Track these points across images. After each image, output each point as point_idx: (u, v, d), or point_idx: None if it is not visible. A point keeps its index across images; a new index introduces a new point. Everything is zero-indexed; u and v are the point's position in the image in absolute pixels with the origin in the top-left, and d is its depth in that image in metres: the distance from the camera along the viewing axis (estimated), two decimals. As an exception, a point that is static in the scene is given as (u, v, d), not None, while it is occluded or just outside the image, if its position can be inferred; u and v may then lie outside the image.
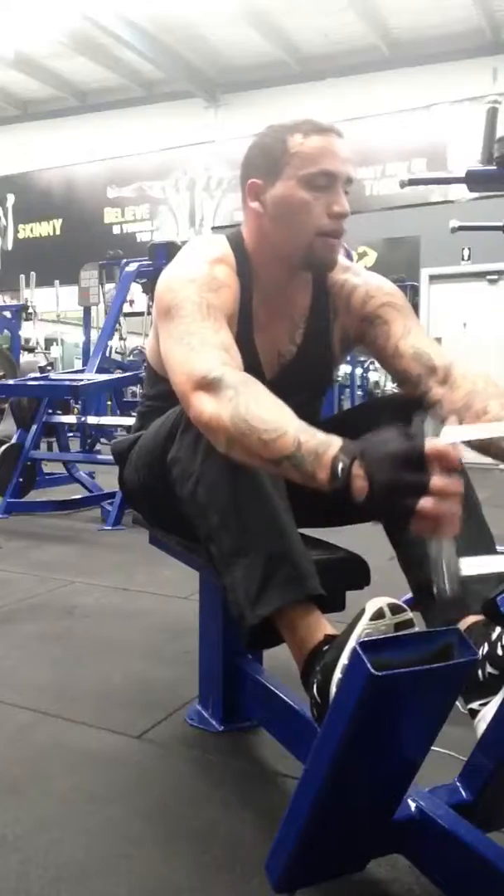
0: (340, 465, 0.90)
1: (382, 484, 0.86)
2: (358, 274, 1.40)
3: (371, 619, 0.93)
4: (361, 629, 0.93)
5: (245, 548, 1.09)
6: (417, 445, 0.86)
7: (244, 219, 1.33)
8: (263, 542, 1.08)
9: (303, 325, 1.37)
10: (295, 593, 1.05)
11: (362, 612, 0.95)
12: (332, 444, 0.94)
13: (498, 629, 1.02)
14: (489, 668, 1.02)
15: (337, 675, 0.95)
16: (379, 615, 0.93)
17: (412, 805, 0.97)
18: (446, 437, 0.87)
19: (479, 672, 1.02)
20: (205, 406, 1.05)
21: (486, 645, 1.02)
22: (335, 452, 0.92)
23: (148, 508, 1.50)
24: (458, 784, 1.02)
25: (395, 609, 0.94)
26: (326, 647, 1.02)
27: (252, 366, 1.21)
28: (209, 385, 1.05)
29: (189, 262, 1.25)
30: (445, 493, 0.83)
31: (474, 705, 1.04)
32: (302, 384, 1.35)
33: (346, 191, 1.25)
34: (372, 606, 0.94)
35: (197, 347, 1.12)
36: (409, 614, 0.95)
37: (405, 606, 0.95)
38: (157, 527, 1.53)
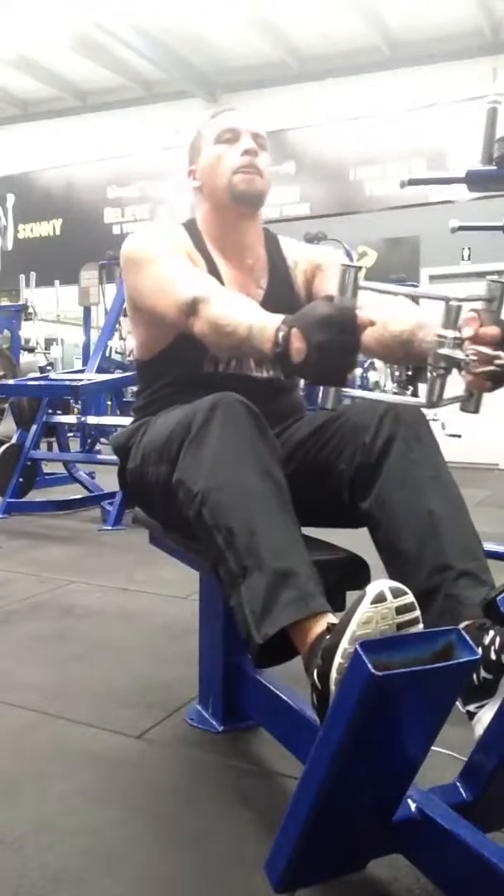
0: (281, 334, 1.08)
1: (315, 343, 1.01)
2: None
3: (372, 603, 0.91)
4: (363, 612, 0.91)
5: (250, 567, 1.07)
6: (347, 308, 1.00)
7: (197, 209, 1.57)
8: (268, 561, 1.06)
9: (265, 273, 1.55)
10: (299, 613, 1.04)
11: (363, 595, 0.92)
12: (274, 320, 1.13)
13: (491, 633, 1.02)
14: (483, 673, 1.02)
15: (338, 658, 0.93)
16: (380, 598, 0.91)
17: (412, 805, 0.97)
18: (364, 286, 1.02)
19: (474, 676, 1.02)
20: (195, 327, 1.29)
21: (479, 649, 1.02)
22: (277, 325, 1.10)
23: (149, 504, 1.49)
24: (458, 784, 1.02)
25: (396, 592, 0.92)
26: (329, 635, 1.01)
27: None
28: (191, 308, 1.28)
29: (150, 232, 1.59)
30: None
31: (471, 707, 1.04)
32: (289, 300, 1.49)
33: (261, 145, 1.49)
34: (373, 590, 0.92)
35: (170, 286, 1.34)
36: (411, 597, 0.92)
37: (406, 589, 0.93)
38: (158, 521, 1.52)
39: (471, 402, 1.13)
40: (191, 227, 1.55)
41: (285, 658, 1.08)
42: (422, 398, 1.06)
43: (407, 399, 0.96)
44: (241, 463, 1.14)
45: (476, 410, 1.14)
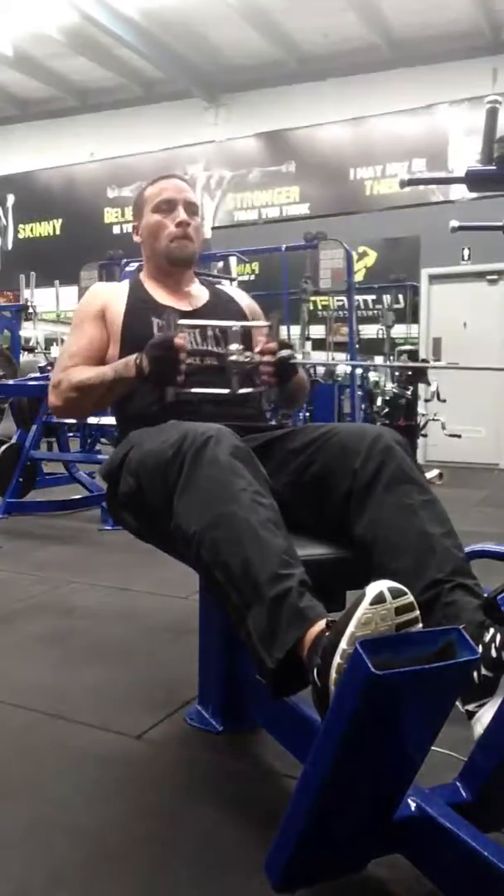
0: (137, 360, 1.54)
1: (150, 358, 1.51)
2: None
3: (371, 604, 0.91)
4: (362, 613, 0.91)
5: (251, 599, 1.09)
6: (167, 336, 1.51)
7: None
8: (265, 590, 1.08)
9: (205, 294, 1.83)
10: (299, 630, 1.04)
11: (362, 596, 0.92)
12: (132, 357, 1.55)
13: (491, 631, 1.02)
14: (483, 671, 1.02)
15: (337, 659, 0.93)
16: (379, 599, 0.91)
17: (412, 805, 0.97)
18: (182, 326, 1.57)
19: (474, 674, 1.02)
20: (50, 399, 1.68)
21: (479, 647, 1.02)
22: (134, 358, 1.54)
23: (148, 524, 1.47)
24: (458, 784, 1.02)
25: (395, 593, 0.92)
26: (328, 634, 1.01)
27: (160, 310, 1.67)
28: (53, 386, 1.67)
29: (88, 297, 1.80)
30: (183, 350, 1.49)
31: (470, 707, 1.04)
32: (226, 314, 1.75)
33: (192, 212, 1.78)
34: (372, 590, 0.92)
35: (56, 365, 1.74)
36: (410, 597, 0.92)
37: (405, 589, 0.93)
38: (155, 540, 1.52)
39: (270, 392, 1.64)
40: (134, 281, 1.84)
41: (300, 682, 1.06)
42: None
43: (213, 391, 1.57)
44: (229, 496, 1.17)
45: (275, 399, 1.69)
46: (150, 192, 1.80)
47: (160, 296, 1.77)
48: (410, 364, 5.93)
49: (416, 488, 1.27)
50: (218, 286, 1.94)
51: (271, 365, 1.57)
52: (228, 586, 1.13)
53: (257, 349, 1.60)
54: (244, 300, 1.90)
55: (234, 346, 1.58)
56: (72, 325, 1.80)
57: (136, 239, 1.84)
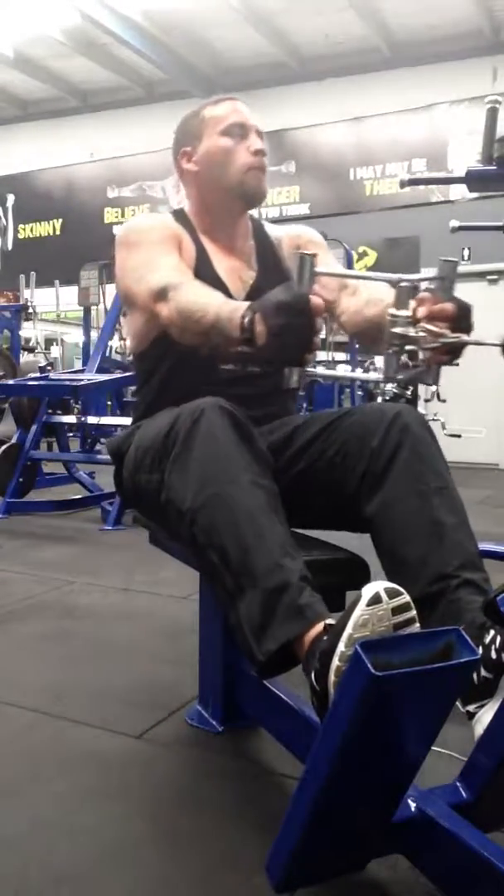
0: (246, 320, 1.14)
1: (272, 327, 1.09)
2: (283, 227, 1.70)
3: (368, 605, 0.91)
4: (359, 614, 0.91)
5: (245, 586, 1.07)
6: (300, 295, 1.08)
7: (185, 191, 1.59)
8: (262, 579, 1.06)
9: (255, 254, 1.58)
10: (297, 627, 1.03)
11: (359, 597, 0.92)
12: (241, 307, 1.18)
13: (491, 633, 1.02)
14: (483, 672, 1.01)
15: (335, 661, 0.93)
16: (376, 600, 0.91)
17: (412, 805, 0.97)
18: (319, 272, 1.13)
19: (474, 675, 1.02)
20: (161, 311, 1.32)
21: (479, 648, 1.02)
22: (243, 311, 1.16)
23: (146, 509, 1.48)
24: (458, 784, 1.02)
25: (392, 593, 0.91)
26: (326, 637, 1.01)
27: (220, 290, 1.40)
28: (160, 294, 1.32)
29: (143, 218, 1.59)
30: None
31: (470, 707, 1.04)
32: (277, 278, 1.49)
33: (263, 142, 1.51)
34: (369, 591, 0.92)
35: (149, 272, 1.39)
36: (407, 597, 0.92)
37: (402, 590, 0.92)
38: (158, 527, 1.52)
39: (428, 374, 1.20)
40: (180, 216, 1.58)
41: (288, 668, 1.08)
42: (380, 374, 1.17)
43: (367, 376, 1.12)
44: (227, 476, 1.13)
45: (434, 382, 1.22)
46: (213, 114, 1.52)
47: (217, 258, 1.52)
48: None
49: (432, 472, 1.23)
50: (259, 229, 1.63)
51: (440, 338, 1.14)
52: (222, 569, 1.11)
53: (421, 312, 1.14)
54: (286, 235, 1.62)
55: (402, 313, 1.12)
56: (134, 244, 1.46)
57: (188, 166, 1.53)
